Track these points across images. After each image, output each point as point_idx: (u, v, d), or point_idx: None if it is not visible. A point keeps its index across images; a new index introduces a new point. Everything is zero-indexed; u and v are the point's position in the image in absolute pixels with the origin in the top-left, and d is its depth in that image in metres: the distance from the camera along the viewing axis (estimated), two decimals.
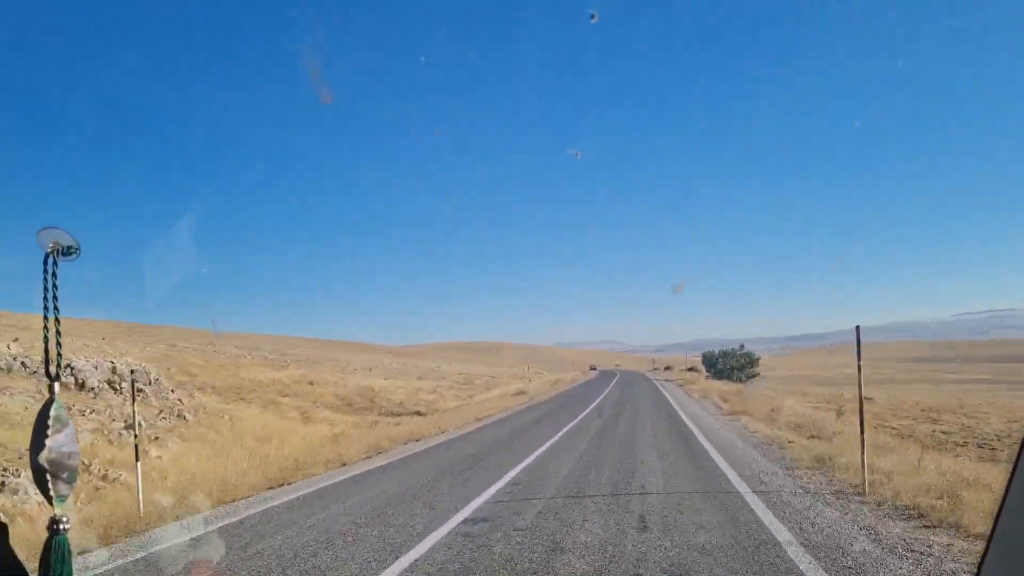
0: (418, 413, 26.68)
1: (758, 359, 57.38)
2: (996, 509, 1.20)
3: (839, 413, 16.65)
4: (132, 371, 11.80)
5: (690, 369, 69.72)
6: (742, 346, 58.73)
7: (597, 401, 24.92)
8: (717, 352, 59.69)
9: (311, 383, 32.74)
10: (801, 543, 4.97)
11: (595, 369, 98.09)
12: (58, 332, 1.04)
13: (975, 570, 1.32)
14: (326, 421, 24.44)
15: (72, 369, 16.30)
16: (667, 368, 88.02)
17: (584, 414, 19.80)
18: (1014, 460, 1.16)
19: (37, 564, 0.98)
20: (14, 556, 0.99)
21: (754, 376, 53.89)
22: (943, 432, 22.92)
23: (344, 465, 10.84)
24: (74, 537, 1.12)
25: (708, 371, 58.03)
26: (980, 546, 4.66)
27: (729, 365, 55.48)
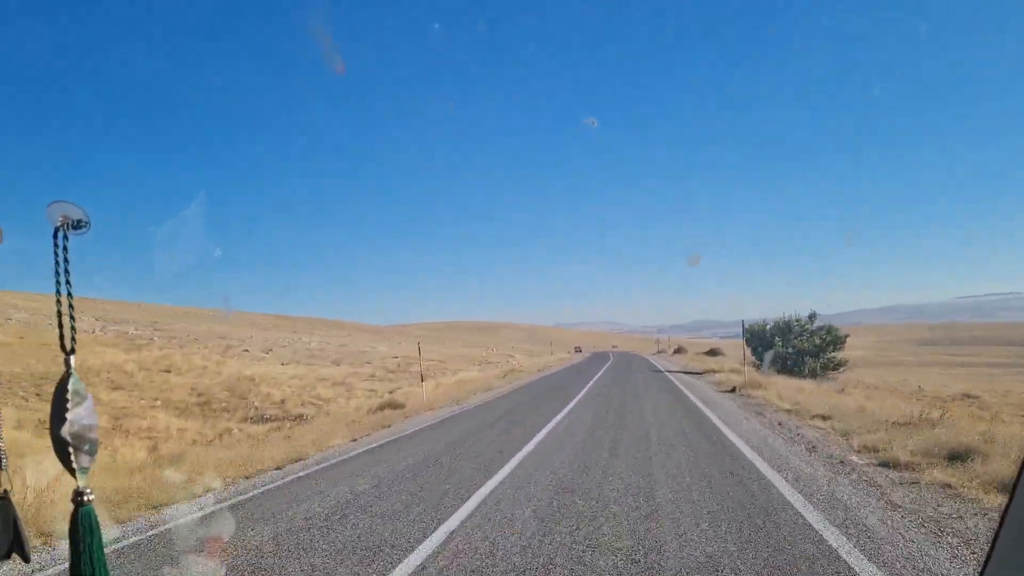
0: (301, 417, 19.56)
1: (844, 337, 33.64)
2: (1001, 513, 1.18)
3: None
4: None
5: (710, 352, 48.63)
6: (813, 315, 34.88)
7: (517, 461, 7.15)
8: (769, 325, 35.65)
9: (167, 370, 25.84)
10: None
11: (580, 351, 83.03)
12: (71, 306, 1.04)
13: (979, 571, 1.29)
14: (145, 433, 17.26)
15: None
16: (677, 351, 60.17)
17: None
18: (1020, 464, 1.23)
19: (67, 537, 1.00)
20: (17, 523, 1.00)
21: (841, 366, 32.78)
22: None
23: None
24: None
25: (756, 358, 33.80)
26: None
27: (792, 346, 33.06)
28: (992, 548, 1.23)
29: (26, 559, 1.04)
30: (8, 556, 1.01)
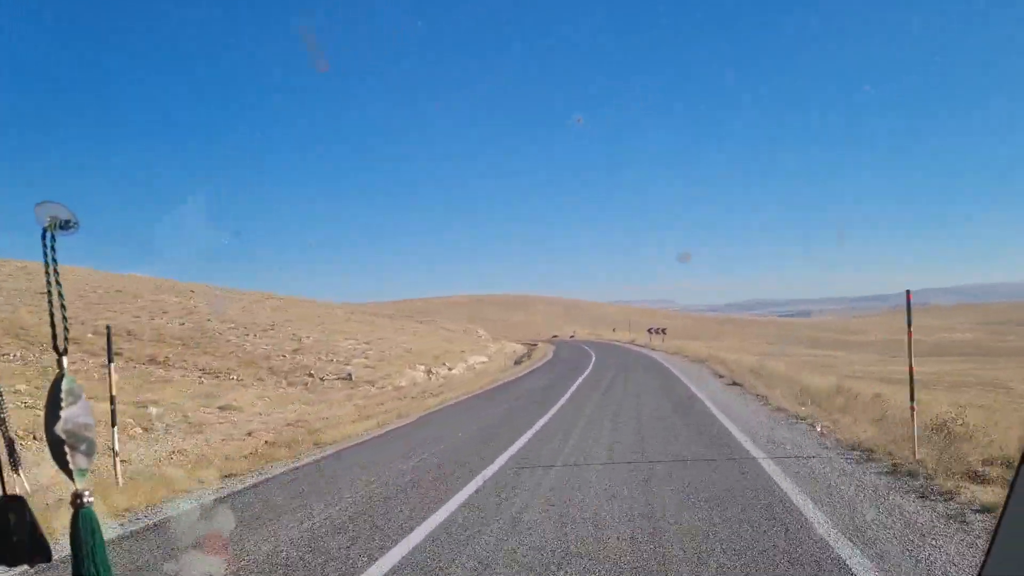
0: None
1: None
2: (1000, 509, 1.26)
3: None
4: None
5: None
6: None
7: None
8: None
9: None
10: None
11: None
12: (63, 307, 1.02)
13: (978, 569, 1.35)
14: None
15: None
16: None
17: None
18: (1020, 460, 1.19)
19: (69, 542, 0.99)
20: (35, 526, 0.99)
21: None
22: None
23: None
24: None
25: None
26: None
27: None
28: (991, 544, 1.25)
29: (47, 559, 1.01)
30: (31, 561, 0.99)
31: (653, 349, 32.99)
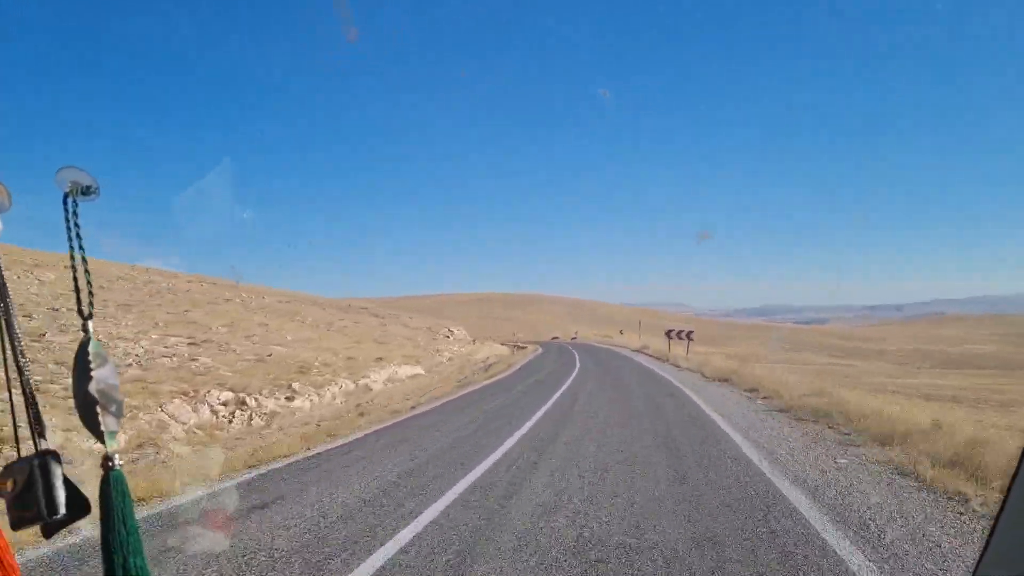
0: None
1: None
2: (998, 507, 1.17)
3: None
4: None
5: None
6: None
7: None
8: None
9: None
10: None
11: None
12: (86, 271, 1.02)
13: (973, 568, 1.27)
14: None
15: None
16: None
17: None
18: (1018, 459, 1.19)
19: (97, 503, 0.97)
20: (69, 481, 0.97)
21: None
22: None
23: None
24: None
25: None
26: None
27: None
28: (987, 542, 1.23)
29: (87, 511, 0.97)
30: (72, 518, 0.94)
31: (678, 367, 21.35)
